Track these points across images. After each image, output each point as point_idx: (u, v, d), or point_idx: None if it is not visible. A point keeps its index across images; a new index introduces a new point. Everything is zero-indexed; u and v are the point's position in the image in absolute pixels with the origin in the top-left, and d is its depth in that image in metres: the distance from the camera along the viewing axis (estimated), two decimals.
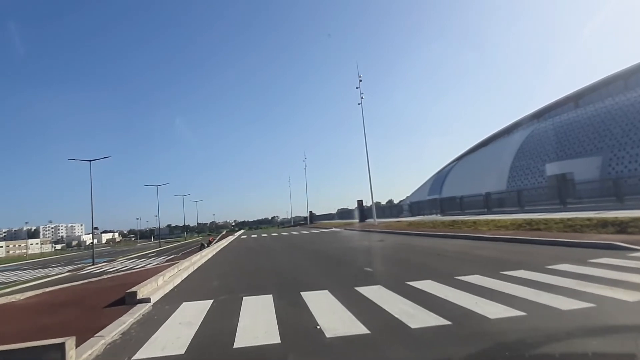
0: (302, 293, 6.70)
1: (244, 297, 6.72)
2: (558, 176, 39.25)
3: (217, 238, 45.42)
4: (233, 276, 9.88)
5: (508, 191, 33.06)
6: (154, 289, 7.54)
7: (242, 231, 59.14)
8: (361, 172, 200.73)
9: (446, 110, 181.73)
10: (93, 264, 35.09)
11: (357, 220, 40.50)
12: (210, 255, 16.85)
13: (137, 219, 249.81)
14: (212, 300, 6.68)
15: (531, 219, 15.69)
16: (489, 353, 3.54)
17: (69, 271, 31.56)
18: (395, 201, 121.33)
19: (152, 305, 6.70)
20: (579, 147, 38.82)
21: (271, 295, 6.72)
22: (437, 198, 35.38)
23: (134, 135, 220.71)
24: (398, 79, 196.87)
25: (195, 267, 12.20)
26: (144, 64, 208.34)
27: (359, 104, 32.53)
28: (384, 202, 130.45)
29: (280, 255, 15.20)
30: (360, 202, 41.30)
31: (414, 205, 40.38)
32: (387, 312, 5.12)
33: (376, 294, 6.27)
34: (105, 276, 13.21)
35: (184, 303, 6.71)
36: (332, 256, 12.92)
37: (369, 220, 40.07)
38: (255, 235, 35.45)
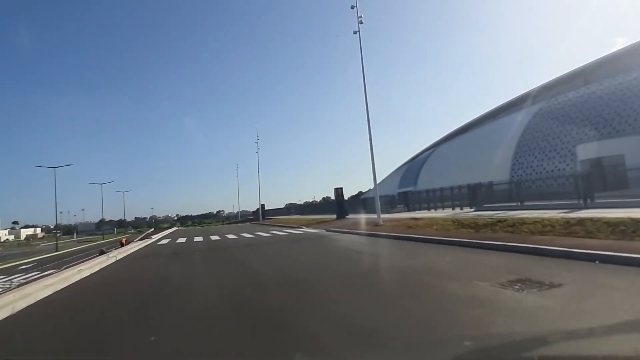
0: None
1: None
2: (592, 161, 29.55)
3: (142, 236, 30.68)
4: None
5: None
6: None
7: (172, 230, 43.95)
8: (310, 168, 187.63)
9: (413, 105, 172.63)
10: None
11: (335, 217, 27.88)
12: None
13: (61, 212, 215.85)
14: None
15: None
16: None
17: None
18: (346, 196, 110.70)
19: None
20: (620, 124, 29.26)
21: None
22: (466, 186, 23.63)
23: (73, 126, 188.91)
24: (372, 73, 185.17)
25: None
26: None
27: (355, 32, 19.80)
28: (334, 197, 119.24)
29: None
30: (339, 192, 28.62)
31: (410, 197, 28.55)
32: None
33: None
34: None
35: None
36: None
37: (354, 216, 27.58)
38: (184, 240, 21.53)
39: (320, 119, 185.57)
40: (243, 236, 20.85)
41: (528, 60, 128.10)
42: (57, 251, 40.14)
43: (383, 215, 25.80)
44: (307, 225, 25.48)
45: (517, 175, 36.59)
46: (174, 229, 47.32)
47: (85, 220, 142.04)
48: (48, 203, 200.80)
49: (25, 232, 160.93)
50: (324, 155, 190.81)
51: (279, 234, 20.40)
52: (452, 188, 24.68)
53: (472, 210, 20.63)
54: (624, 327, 3.47)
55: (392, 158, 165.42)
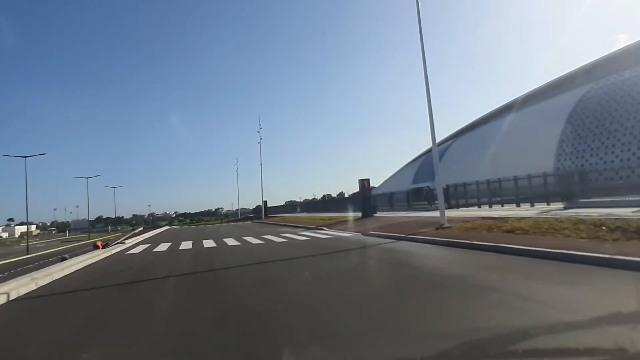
0: None
1: None
2: None
3: (123, 238, 24.44)
4: None
5: None
6: None
7: (163, 229, 37.68)
8: (310, 166, 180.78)
9: (412, 103, 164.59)
10: None
11: (360, 215, 21.91)
12: None
13: (55, 209, 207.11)
14: None
15: None
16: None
17: None
18: (347, 194, 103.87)
19: None
20: None
21: None
22: (541, 174, 17.68)
23: (71, 124, 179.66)
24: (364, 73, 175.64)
25: None
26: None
27: None
28: (334, 195, 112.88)
29: None
30: (365, 184, 22.50)
31: (454, 191, 22.64)
32: None
33: None
34: None
35: None
36: None
37: (382, 214, 21.60)
38: (165, 247, 15.50)
39: (320, 117, 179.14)
40: (247, 242, 14.81)
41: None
42: (28, 254, 33.86)
43: (422, 214, 19.94)
44: (328, 226, 19.50)
45: (564, 167, 30.79)
46: (165, 228, 41.15)
47: (82, 218, 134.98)
48: (44, 200, 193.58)
49: (20, 230, 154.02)
50: (323, 153, 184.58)
51: (296, 240, 14.39)
52: (516, 178, 18.73)
53: (562, 206, 14.70)
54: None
55: (388, 159, 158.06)
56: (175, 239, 19.20)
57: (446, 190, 23.50)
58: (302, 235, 15.79)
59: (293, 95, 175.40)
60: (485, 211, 17.64)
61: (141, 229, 46.19)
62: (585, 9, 67.87)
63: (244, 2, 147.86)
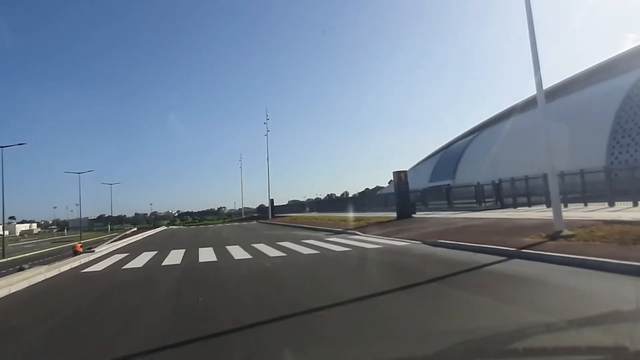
0: None
1: None
2: None
3: (116, 238, 19.89)
4: None
5: None
6: None
7: (159, 229, 33.00)
8: (311, 166, 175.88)
9: (414, 103, 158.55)
10: None
11: (395, 215, 17.44)
12: None
13: (55, 207, 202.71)
14: None
15: None
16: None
17: None
18: (353, 192, 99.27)
19: None
20: None
21: None
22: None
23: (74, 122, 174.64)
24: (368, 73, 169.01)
25: None
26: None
27: None
28: (338, 194, 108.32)
29: None
30: (402, 177, 17.99)
31: (510, 187, 18.10)
32: None
33: None
34: None
35: None
36: None
37: (429, 216, 17.05)
38: (147, 260, 11.02)
39: (321, 117, 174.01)
40: (261, 253, 10.35)
41: None
42: (3, 257, 29.41)
43: (474, 214, 15.46)
44: (360, 229, 14.95)
45: (619, 161, 26.30)
46: (162, 228, 36.62)
47: (85, 216, 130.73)
48: (46, 198, 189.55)
49: (20, 228, 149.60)
50: (324, 153, 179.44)
51: (332, 251, 9.92)
52: (607, 169, 14.21)
53: None
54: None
55: (389, 159, 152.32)
56: (165, 246, 14.72)
57: (498, 186, 19.01)
58: (335, 244, 11.31)
59: (293, 95, 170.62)
60: (544, 211, 13.16)
61: (135, 229, 41.66)
62: (587, 8, 63.06)
63: (244, 2, 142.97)
